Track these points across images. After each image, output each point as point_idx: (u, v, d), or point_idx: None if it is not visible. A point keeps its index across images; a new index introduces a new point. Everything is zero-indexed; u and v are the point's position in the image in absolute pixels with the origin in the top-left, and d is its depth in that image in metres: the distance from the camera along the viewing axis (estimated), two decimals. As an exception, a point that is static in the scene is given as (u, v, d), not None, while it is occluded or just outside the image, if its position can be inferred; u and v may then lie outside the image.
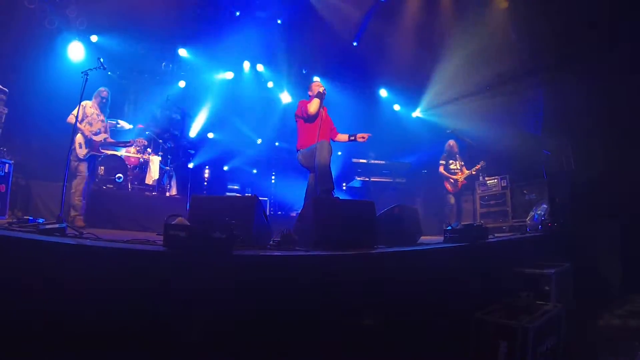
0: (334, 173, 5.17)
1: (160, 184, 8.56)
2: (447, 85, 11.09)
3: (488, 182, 9.17)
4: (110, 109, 6.84)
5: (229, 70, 11.10)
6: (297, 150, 5.68)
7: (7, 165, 5.99)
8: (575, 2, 7.52)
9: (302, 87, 10.98)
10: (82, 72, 5.26)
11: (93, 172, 6.62)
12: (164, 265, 2.41)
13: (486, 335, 3.65)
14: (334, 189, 4.96)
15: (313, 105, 5.54)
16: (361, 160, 10.24)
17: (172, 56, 10.40)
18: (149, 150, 8.49)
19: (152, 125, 9.11)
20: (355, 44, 11.19)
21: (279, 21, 10.41)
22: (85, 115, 6.33)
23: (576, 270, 5.16)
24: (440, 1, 9.85)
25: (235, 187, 11.45)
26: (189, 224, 2.96)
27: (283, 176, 12.09)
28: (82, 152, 6.21)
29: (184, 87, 10.86)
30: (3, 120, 6.40)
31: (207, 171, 11.02)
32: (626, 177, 6.64)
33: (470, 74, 10.42)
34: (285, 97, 12.04)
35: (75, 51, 8.68)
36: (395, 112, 12.74)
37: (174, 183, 9.32)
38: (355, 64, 11.72)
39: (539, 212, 7.06)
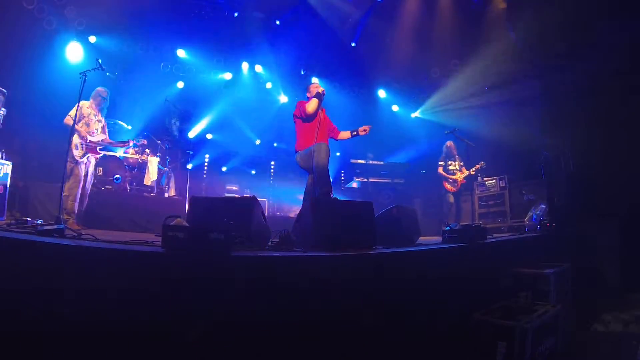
0: (332, 174, 5.17)
1: (158, 184, 8.55)
2: (447, 86, 11.13)
3: (486, 182, 9.18)
4: (109, 109, 6.80)
5: (228, 71, 11.09)
6: (296, 152, 5.68)
7: (5, 166, 5.97)
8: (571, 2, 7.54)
9: (300, 88, 10.98)
10: (80, 73, 5.24)
11: (92, 175, 6.53)
12: (162, 266, 2.41)
13: (485, 335, 3.65)
14: (332, 190, 4.96)
15: (311, 105, 5.54)
16: (360, 161, 10.26)
17: (171, 57, 10.39)
18: (148, 151, 8.48)
19: (150, 126, 9.10)
20: (353, 44, 11.19)
21: (277, 22, 10.42)
22: (82, 116, 6.23)
23: (575, 271, 5.17)
24: (438, 1, 9.86)
25: (234, 187, 11.43)
26: (187, 225, 2.96)
27: (282, 177, 12.09)
28: (78, 153, 6.11)
29: (182, 88, 10.85)
30: (1, 122, 6.39)
31: (205, 172, 11.01)
32: (625, 177, 6.65)
33: (468, 74, 10.45)
34: (284, 98, 12.04)
35: (74, 52, 8.68)
36: (393, 112, 12.74)
37: (172, 184, 9.31)
38: (353, 64, 11.73)
39: (538, 212, 7.08)
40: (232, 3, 9.84)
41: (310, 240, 3.72)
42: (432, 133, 11.18)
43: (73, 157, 6.04)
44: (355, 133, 6.04)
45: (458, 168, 8.78)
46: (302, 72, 11.72)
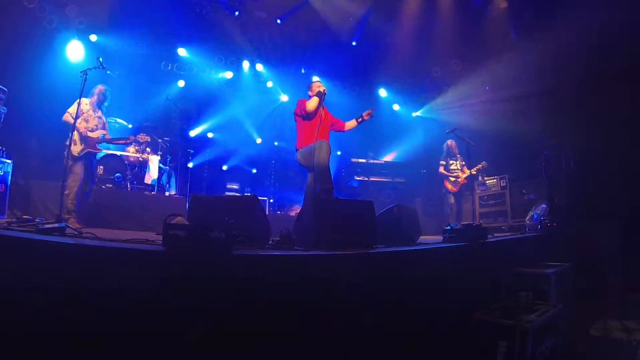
0: (332, 172, 5.17)
1: (159, 183, 8.55)
2: (448, 85, 11.14)
3: (487, 182, 9.18)
4: (110, 108, 6.77)
5: (229, 70, 11.10)
6: (296, 150, 5.67)
7: (6, 164, 5.97)
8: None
9: (301, 86, 10.95)
10: (81, 72, 5.23)
11: (93, 173, 6.48)
12: (163, 264, 2.41)
13: (485, 335, 3.64)
14: (333, 188, 4.96)
15: (312, 103, 5.53)
16: (360, 160, 10.26)
17: (172, 56, 10.40)
18: (148, 149, 8.49)
19: (151, 124, 9.10)
20: (354, 43, 11.18)
21: (278, 21, 10.41)
22: (81, 112, 6.09)
23: (576, 270, 5.16)
24: (439, 0, 9.85)
25: (235, 186, 11.45)
26: (188, 223, 2.96)
27: (282, 176, 12.10)
28: (76, 149, 5.99)
29: (183, 87, 10.86)
30: (2, 120, 6.39)
31: (206, 170, 11.02)
32: (626, 176, 6.64)
33: (469, 74, 10.45)
34: (284, 97, 12.04)
35: (75, 51, 8.68)
36: (394, 111, 12.74)
37: (173, 182, 9.32)
38: (354, 63, 11.72)
39: (538, 211, 7.08)
40: (233, 2, 9.83)
41: (311, 239, 3.72)
42: (433, 132, 11.18)
43: (71, 153, 5.86)
44: (360, 119, 6.04)
45: (459, 167, 8.77)
46: (303, 71, 11.72)
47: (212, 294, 2.37)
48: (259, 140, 12.27)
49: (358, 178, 10.03)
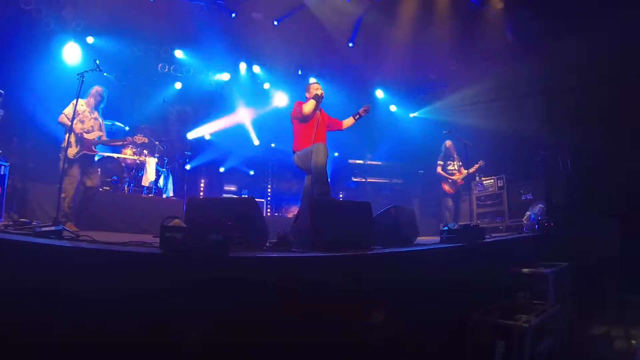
0: (330, 174, 5.17)
1: (156, 185, 8.54)
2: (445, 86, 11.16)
3: (484, 182, 9.20)
4: (106, 110, 6.71)
5: (226, 72, 11.10)
6: (293, 152, 5.66)
7: (2, 167, 5.94)
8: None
9: (298, 88, 10.99)
10: (78, 74, 5.21)
11: (94, 174, 6.37)
12: (160, 267, 2.41)
13: (483, 335, 3.65)
14: (330, 191, 4.95)
15: (308, 106, 5.52)
16: (358, 161, 10.27)
17: (169, 57, 10.38)
18: (146, 152, 8.46)
19: (148, 126, 9.09)
20: (350, 44, 11.19)
21: (275, 22, 10.41)
22: (76, 113, 5.88)
23: (574, 270, 5.17)
24: (436, 1, 9.86)
25: (232, 188, 11.45)
26: (185, 225, 2.96)
27: (280, 178, 12.10)
28: (72, 151, 5.86)
29: (180, 89, 10.85)
30: (-1, 122, 6.37)
31: (203, 173, 11.02)
32: (624, 176, 6.66)
33: (466, 75, 10.47)
34: (282, 99, 12.03)
35: (71, 53, 8.67)
36: (391, 112, 12.75)
37: (170, 185, 9.30)
38: (351, 64, 11.73)
39: (536, 211, 7.09)
40: (229, 4, 9.83)
41: (309, 240, 3.71)
42: (430, 133, 11.18)
43: (67, 156, 5.78)
44: (357, 116, 6.05)
45: (457, 168, 8.77)
46: (300, 72, 11.73)
47: (210, 296, 2.37)
48: (256, 142, 12.26)
49: (355, 179, 10.05)
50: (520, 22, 8.98)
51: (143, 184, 8.16)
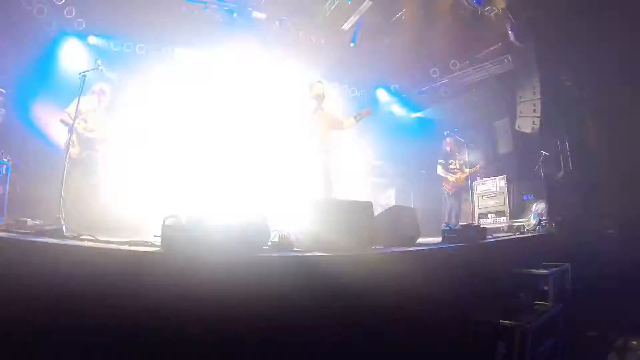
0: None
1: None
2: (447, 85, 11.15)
3: (486, 182, 9.18)
4: (107, 109, 6.70)
5: (227, 72, 11.08)
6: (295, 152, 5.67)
7: (4, 166, 5.94)
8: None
9: (300, 87, 10.97)
10: (79, 74, 5.21)
11: (95, 173, 6.37)
12: (161, 266, 2.41)
13: (484, 336, 3.65)
14: (332, 190, 4.96)
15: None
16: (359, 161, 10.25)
17: (170, 57, 10.38)
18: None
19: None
20: (352, 44, 11.18)
21: (277, 23, 10.41)
22: (79, 112, 5.87)
23: (574, 271, 5.17)
24: (437, 1, 9.85)
25: (234, 187, 11.40)
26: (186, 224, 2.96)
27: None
28: (74, 151, 5.93)
29: (181, 89, 10.83)
30: (0, 121, 6.36)
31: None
32: (625, 176, 6.65)
33: (468, 74, 10.46)
34: (285, 98, 12.02)
35: (73, 52, 8.67)
36: (393, 112, 12.74)
37: (171, 184, 9.27)
38: (352, 64, 11.72)
39: (537, 212, 7.08)
40: (231, 4, 9.83)
41: (310, 240, 3.71)
42: (432, 133, 11.18)
43: (70, 155, 5.70)
44: (359, 117, 6.05)
45: (458, 167, 8.77)
46: (301, 72, 11.71)
47: (211, 295, 2.37)
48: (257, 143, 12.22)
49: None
50: (522, 22, 8.97)
51: (145, 182, 8.14)
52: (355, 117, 6.06)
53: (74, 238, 3.28)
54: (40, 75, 7.92)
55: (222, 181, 11.60)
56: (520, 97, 9.15)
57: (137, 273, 2.30)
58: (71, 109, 5.66)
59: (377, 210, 4.50)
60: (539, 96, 8.70)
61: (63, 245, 2.52)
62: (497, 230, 8.10)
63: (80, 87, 5.15)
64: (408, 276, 3.45)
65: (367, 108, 6.05)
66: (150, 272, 2.34)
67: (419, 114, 12.41)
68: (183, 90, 10.78)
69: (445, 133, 8.32)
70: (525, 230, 7.07)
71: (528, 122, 8.73)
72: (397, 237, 4.48)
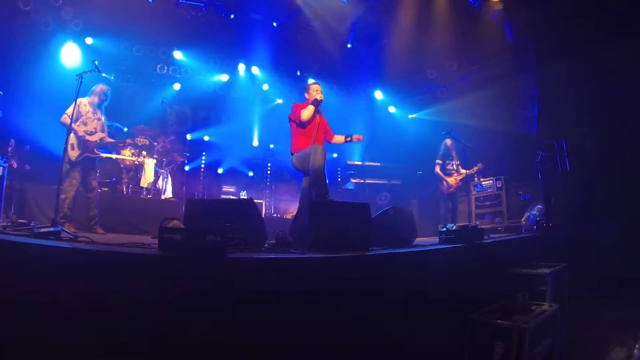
0: (328, 175, 5.15)
1: (155, 186, 8.52)
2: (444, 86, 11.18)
3: (483, 182, 9.20)
4: (106, 110, 6.66)
5: (224, 73, 11.10)
6: (292, 154, 5.65)
7: (1, 168, 5.92)
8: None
9: (297, 89, 11.01)
10: (76, 75, 5.19)
11: (95, 177, 6.32)
12: (159, 268, 2.40)
13: (482, 336, 3.65)
14: (328, 192, 4.95)
15: (306, 113, 5.47)
16: (356, 162, 10.26)
17: (168, 59, 10.40)
18: (144, 153, 8.44)
19: (147, 127, 9.07)
20: (349, 45, 11.20)
21: (274, 24, 10.43)
22: (79, 114, 5.96)
23: (572, 271, 5.17)
24: (434, 2, 9.87)
25: (231, 189, 11.42)
26: (184, 227, 2.96)
27: (278, 179, 12.09)
28: (74, 153, 5.85)
29: (179, 90, 10.85)
30: (-3, 123, 6.36)
31: (202, 174, 11.02)
32: (623, 177, 6.67)
33: (465, 75, 10.48)
34: (280, 100, 12.05)
35: (70, 53, 8.67)
36: (390, 113, 12.76)
37: (169, 186, 9.27)
38: (349, 65, 11.74)
39: (534, 212, 7.09)
40: (228, 5, 9.84)
41: (307, 241, 3.72)
42: (429, 134, 11.17)
43: (69, 158, 5.78)
44: (349, 139, 6.02)
45: (455, 168, 8.77)
46: (298, 73, 11.74)
47: (208, 297, 2.36)
48: (255, 143, 12.25)
49: (354, 180, 10.03)
50: (518, 23, 8.99)
51: (141, 185, 8.13)
52: (345, 137, 6.04)
53: (70, 240, 3.27)
54: (37, 77, 7.91)
55: (222, 181, 11.65)
56: (517, 98, 9.18)
57: (134, 276, 2.29)
58: (71, 110, 5.62)
59: (374, 212, 4.51)
60: (536, 96, 8.73)
61: (60, 247, 2.51)
62: (495, 230, 8.12)
63: (78, 89, 5.14)
64: (405, 277, 3.45)
65: (360, 135, 6.04)
66: (148, 274, 2.34)
67: (415, 115, 12.41)
68: (181, 90, 10.81)
69: (443, 133, 8.31)
70: (523, 230, 7.08)
71: (526, 122, 8.75)
72: (394, 238, 4.49)
